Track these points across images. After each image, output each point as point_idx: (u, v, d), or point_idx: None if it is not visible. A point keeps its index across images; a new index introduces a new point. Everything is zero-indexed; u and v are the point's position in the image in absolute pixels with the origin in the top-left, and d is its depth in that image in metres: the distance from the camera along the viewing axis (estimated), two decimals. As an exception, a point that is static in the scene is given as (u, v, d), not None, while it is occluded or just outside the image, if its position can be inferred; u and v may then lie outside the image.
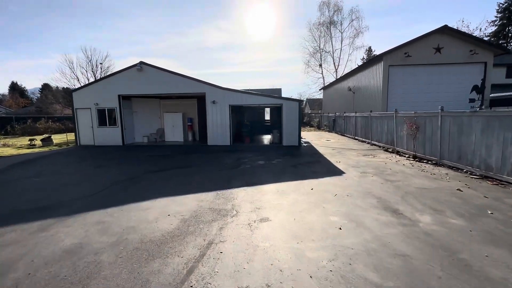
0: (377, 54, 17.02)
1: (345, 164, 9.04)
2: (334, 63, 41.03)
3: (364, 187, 6.24)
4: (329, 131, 25.21)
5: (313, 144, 15.11)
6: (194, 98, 17.54)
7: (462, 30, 16.64)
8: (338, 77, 39.59)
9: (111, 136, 15.87)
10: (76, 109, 16.10)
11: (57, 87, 36.84)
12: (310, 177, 7.26)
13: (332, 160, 9.98)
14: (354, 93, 22.73)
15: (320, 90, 39.77)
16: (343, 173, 7.75)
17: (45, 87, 47.65)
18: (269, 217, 4.49)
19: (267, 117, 27.59)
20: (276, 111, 21.04)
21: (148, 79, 15.06)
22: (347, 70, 41.15)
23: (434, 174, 7.39)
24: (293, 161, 9.91)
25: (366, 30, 40.50)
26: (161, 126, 18.17)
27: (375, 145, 13.87)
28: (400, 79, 16.95)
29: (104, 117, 15.85)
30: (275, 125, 20.74)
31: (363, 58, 46.76)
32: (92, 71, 33.43)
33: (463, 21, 51.62)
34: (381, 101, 17.05)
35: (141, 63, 14.94)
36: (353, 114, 18.06)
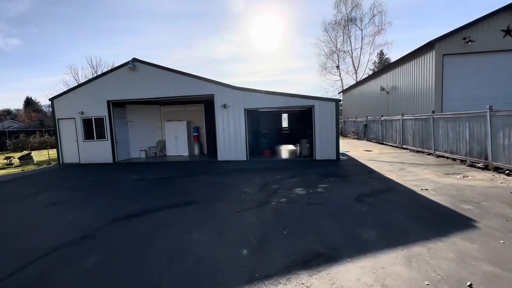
0: (428, 41, 13.45)
1: (443, 195, 5.47)
2: (353, 64, 37.47)
3: None
4: (358, 139, 21.50)
5: (354, 157, 11.55)
6: (201, 103, 14.43)
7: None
8: (359, 78, 35.98)
9: (99, 151, 12.82)
10: (58, 119, 13.20)
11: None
12: (418, 236, 3.74)
13: (410, 185, 6.41)
14: (388, 93, 19.13)
15: (339, 93, 36.19)
16: (472, 220, 4.19)
17: (56, 100, 46.47)
18: None
19: (284, 124, 24.14)
20: (300, 115, 17.70)
21: (144, 80, 12.05)
22: (368, 71, 37.58)
23: None
24: (349, 188, 6.41)
25: (389, 27, 36.63)
26: (161, 137, 15.07)
27: (443, 157, 10.18)
28: (458, 71, 13.33)
29: (91, 129, 12.86)
30: (296, 133, 17.35)
31: (375, 62, 42.82)
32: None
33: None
34: (433, 100, 13.41)
35: (134, 60, 11.98)
36: (398, 116, 14.41)
